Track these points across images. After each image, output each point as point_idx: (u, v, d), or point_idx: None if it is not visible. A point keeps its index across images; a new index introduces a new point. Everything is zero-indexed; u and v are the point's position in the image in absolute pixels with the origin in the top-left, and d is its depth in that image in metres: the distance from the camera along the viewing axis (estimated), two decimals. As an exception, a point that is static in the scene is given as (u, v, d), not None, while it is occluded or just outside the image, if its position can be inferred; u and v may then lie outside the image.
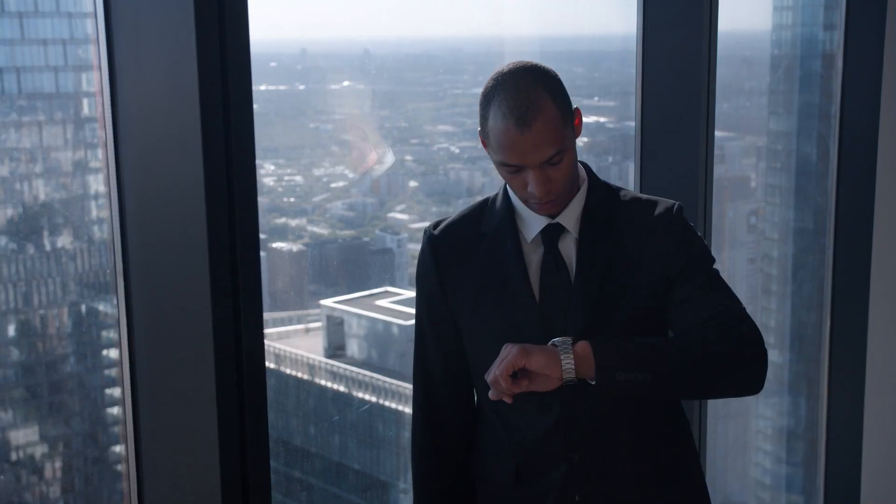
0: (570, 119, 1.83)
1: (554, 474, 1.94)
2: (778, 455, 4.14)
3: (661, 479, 1.98)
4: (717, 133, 3.15)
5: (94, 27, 2.24)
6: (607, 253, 1.90)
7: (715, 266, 1.97)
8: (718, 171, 4.06)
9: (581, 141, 3.76)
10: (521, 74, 1.81)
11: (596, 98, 3.70)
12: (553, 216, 1.91)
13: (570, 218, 1.91)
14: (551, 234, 1.91)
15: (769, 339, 4.06)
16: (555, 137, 1.79)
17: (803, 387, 4.01)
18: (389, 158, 3.46)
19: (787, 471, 4.12)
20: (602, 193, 1.95)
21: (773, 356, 4.08)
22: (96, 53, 2.21)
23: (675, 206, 1.96)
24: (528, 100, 1.78)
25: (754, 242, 4.18)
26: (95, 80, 2.30)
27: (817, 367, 3.85)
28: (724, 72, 3.62)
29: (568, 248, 1.92)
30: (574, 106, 1.86)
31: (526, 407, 1.93)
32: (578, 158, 1.96)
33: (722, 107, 4.03)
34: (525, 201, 1.88)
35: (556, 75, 1.85)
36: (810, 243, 3.90)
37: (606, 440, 1.93)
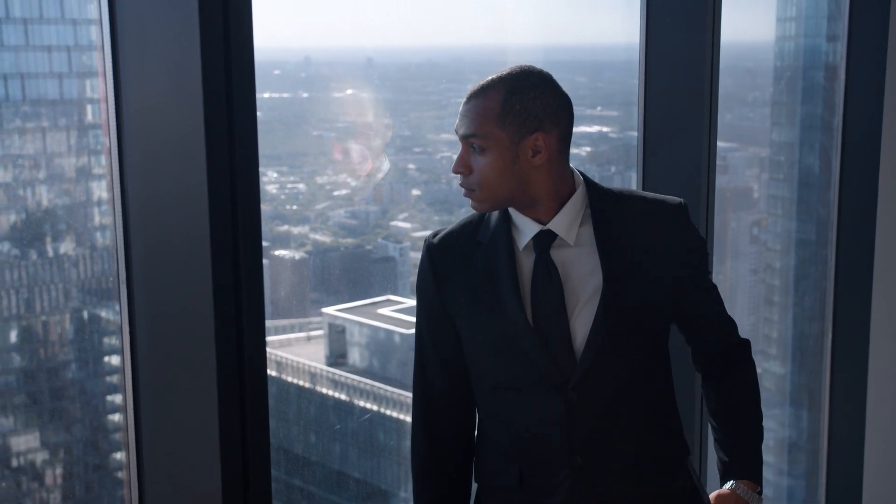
0: (511, 127, 1.87)
1: (558, 477, 1.95)
2: (780, 467, 4.13)
3: (661, 481, 2.01)
4: (721, 144, 3.15)
5: (98, 34, 2.25)
6: (622, 258, 1.92)
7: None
8: (721, 181, 4.06)
9: (584, 150, 3.77)
10: (515, 68, 1.90)
11: (599, 108, 3.70)
12: (543, 222, 1.93)
13: (560, 224, 1.93)
14: (542, 241, 1.93)
15: (770, 351, 4.06)
16: (480, 122, 1.87)
17: (805, 398, 4.00)
18: (386, 166, 3.46)
19: (790, 482, 4.11)
20: (603, 196, 1.97)
21: (775, 367, 4.07)
22: (101, 60, 2.21)
23: (681, 204, 2.00)
24: (488, 82, 1.89)
25: (757, 253, 4.18)
26: (100, 87, 2.30)
27: (819, 379, 3.85)
28: (727, 82, 3.62)
29: (561, 255, 1.93)
30: (537, 132, 1.87)
31: (529, 409, 1.94)
32: (576, 167, 1.99)
33: (725, 118, 4.03)
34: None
35: (542, 94, 1.88)
36: (812, 254, 3.90)
37: (609, 443, 1.95)
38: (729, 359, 2.12)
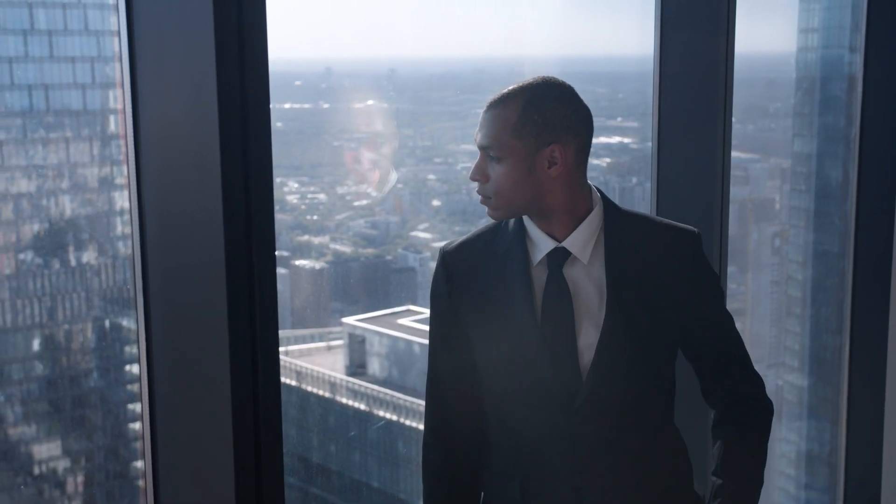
0: (528, 138, 1.87)
1: (559, 496, 1.95)
2: (801, 480, 4.11)
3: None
4: (742, 155, 3.14)
5: (117, 46, 2.27)
6: (631, 282, 1.92)
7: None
8: (742, 192, 4.05)
9: (604, 161, 3.77)
10: (537, 79, 1.90)
11: (619, 118, 3.70)
12: (559, 240, 1.93)
13: (576, 242, 1.93)
14: (556, 258, 1.93)
15: (793, 364, 4.04)
16: (497, 132, 1.88)
17: (828, 411, 3.98)
18: (393, 178, 3.48)
19: (812, 496, 4.08)
20: (618, 218, 1.96)
21: (797, 380, 4.05)
22: (119, 71, 2.23)
23: (694, 233, 1.99)
24: (508, 91, 1.89)
25: (778, 265, 4.16)
26: (118, 98, 2.33)
27: (840, 392, 3.82)
28: (749, 94, 3.61)
29: (573, 273, 1.94)
30: (553, 143, 1.87)
31: (533, 426, 1.95)
32: (593, 183, 1.98)
33: (747, 129, 4.02)
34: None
35: (561, 106, 1.88)
36: (834, 267, 3.88)
37: (612, 467, 1.95)
38: (740, 414, 2.03)
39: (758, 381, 2.06)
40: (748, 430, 2.01)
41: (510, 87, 1.90)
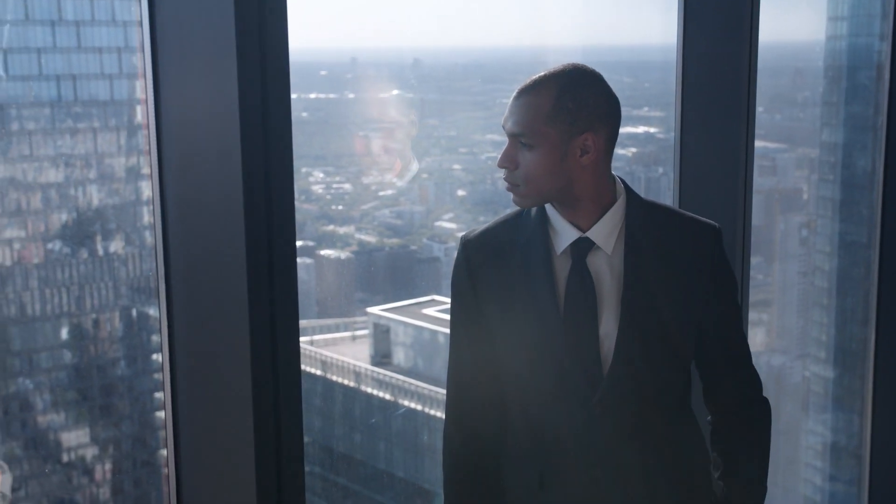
0: (562, 126, 1.85)
1: (577, 487, 1.95)
2: (827, 471, 4.08)
3: (683, 498, 2.01)
4: (769, 145, 3.12)
5: (139, 36, 2.28)
6: (650, 274, 1.91)
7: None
8: (769, 182, 4.02)
9: (629, 151, 3.75)
10: (568, 66, 1.89)
11: (645, 108, 3.68)
12: (583, 229, 1.92)
13: (600, 233, 1.92)
14: (580, 248, 1.92)
15: (820, 354, 4.01)
16: (530, 119, 1.86)
17: (854, 403, 3.95)
18: (415, 167, 3.48)
19: (837, 488, 4.06)
20: (641, 208, 1.96)
21: (824, 371, 4.02)
22: (142, 62, 2.24)
23: (715, 228, 1.99)
24: (540, 78, 1.88)
25: (805, 255, 4.14)
26: (140, 89, 2.34)
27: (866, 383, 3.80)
28: (776, 83, 3.58)
29: (596, 263, 1.93)
30: (587, 132, 1.86)
31: (553, 416, 1.95)
32: (616, 173, 1.98)
33: (774, 118, 3.99)
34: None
35: (595, 94, 1.87)
36: (861, 257, 3.85)
37: (630, 460, 1.95)
38: (743, 417, 2.06)
39: (758, 383, 2.07)
40: (753, 437, 2.05)
41: (541, 74, 1.89)
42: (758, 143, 3.07)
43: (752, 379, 2.07)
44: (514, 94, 1.90)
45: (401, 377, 3.52)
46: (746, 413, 2.05)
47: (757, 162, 3.08)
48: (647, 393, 1.94)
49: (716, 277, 1.98)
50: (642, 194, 2.01)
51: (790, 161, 4.14)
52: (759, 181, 3.12)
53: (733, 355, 2.05)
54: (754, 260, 3.23)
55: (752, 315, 3.32)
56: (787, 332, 4.15)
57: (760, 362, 4.00)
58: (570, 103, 1.85)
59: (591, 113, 1.86)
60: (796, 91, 4.03)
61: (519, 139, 1.88)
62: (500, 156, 1.91)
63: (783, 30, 3.31)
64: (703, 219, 2.01)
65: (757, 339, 3.96)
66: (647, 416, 1.95)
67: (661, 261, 1.93)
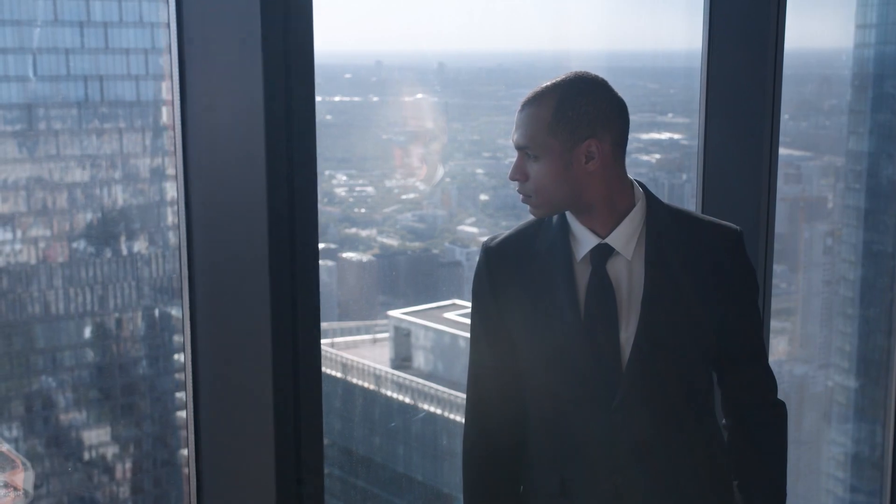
0: (564, 135, 1.86)
1: (599, 493, 1.95)
2: (848, 482, 4.05)
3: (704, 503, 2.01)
4: (794, 152, 3.10)
5: (166, 37, 2.29)
6: (671, 278, 1.91)
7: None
8: (794, 191, 4.00)
9: (653, 157, 3.74)
10: (569, 75, 1.90)
11: (670, 114, 3.67)
12: (602, 236, 1.92)
13: (619, 238, 1.92)
14: (600, 255, 1.92)
15: (843, 364, 3.98)
16: (532, 131, 1.87)
17: (879, 414, 3.92)
18: (441, 172, 3.48)
19: (859, 499, 4.03)
20: (661, 212, 1.95)
21: (847, 381, 3.99)
22: (168, 63, 2.25)
23: (737, 231, 1.99)
24: (541, 90, 1.89)
25: (830, 264, 4.11)
26: (166, 90, 2.35)
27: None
28: (803, 90, 3.56)
29: (616, 268, 1.93)
30: (590, 138, 1.86)
31: (574, 423, 1.94)
32: (640, 179, 1.98)
33: (800, 126, 3.97)
34: None
35: (594, 101, 1.87)
36: (885, 266, 3.82)
37: (651, 466, 1.94)
38: (759, 420, 2.04)
39: (773, 385, 2.05)
40: (769, 440, 2.03)
41: (543, 85, 1.90)
42: (783, 151, 3.05)
43: (768, 380, 2.05)
44: (519, 106, 1.92)
45: (421, 381, 3.52)
46: (762, 415, 2.04)
47: (782, 170, 3.06)
48: (668, 398, 1.93)
49: (736, 279, 1.97)
50: (665, 201, 2.01)
51: (815, 169, 4.11)
52: (784, 189, 3.10)
53: (749, 357, 2.03)
54: (778, 268, 3.21)
55: (776, 324, 3.30)
56: (811, 341, 4.12)
57: (783, 371, 3.98)
58: (570, 112, 1.86)
59: (592, 119, 1.86)
60: (823, 99, 4.01)
61: (526, 151, 1.89)
62: (510, 169, 1.92)
63: (810, 37, 3.29)
64: (724, 222, 2.01)
65: (780, 347, 3.94)
66: (668, 422, 1.94)
67: (681, 265, 1.93)
